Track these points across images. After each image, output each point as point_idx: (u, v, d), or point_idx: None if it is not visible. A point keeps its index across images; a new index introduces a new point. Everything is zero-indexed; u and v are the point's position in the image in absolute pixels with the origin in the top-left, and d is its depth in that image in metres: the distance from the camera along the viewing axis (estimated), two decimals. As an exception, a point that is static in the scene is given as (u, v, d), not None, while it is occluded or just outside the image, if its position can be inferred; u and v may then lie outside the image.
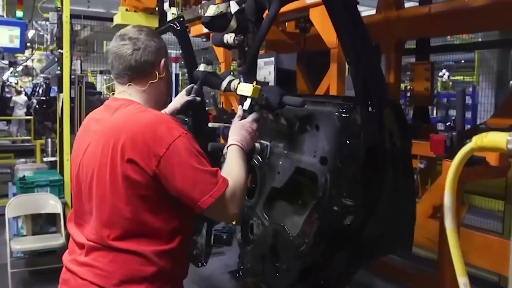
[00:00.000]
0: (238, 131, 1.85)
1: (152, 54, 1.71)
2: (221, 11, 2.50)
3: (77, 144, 1.77)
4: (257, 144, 2.21)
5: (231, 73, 2.48)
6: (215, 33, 2.72)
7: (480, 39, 7.76)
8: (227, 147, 1.81)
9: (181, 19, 3.22)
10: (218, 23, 2.52)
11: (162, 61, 1.74)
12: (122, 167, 1.55)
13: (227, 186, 1.61)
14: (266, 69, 2.96)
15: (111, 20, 6.31)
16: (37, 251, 4.99)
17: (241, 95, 2.02)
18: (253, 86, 1.96)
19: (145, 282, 1.59)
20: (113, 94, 2.03)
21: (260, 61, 3.01)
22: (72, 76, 5.31)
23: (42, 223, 5.16)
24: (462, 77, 17.84)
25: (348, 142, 1.90)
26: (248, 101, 1.97)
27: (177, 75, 10.24)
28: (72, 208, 1.79)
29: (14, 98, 13.54)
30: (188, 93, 2.45)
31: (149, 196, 1.58)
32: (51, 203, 4.98)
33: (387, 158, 1.91)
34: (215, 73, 2.64)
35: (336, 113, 1.95)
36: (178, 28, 3.19)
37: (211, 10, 2.48)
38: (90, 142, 1.68)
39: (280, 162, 2.30)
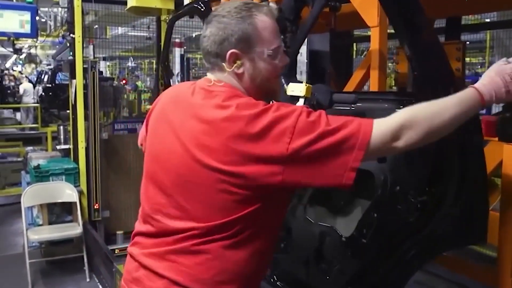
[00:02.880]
0: (488, 75, 1.43)
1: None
2: None
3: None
4: None
5: None
6: None
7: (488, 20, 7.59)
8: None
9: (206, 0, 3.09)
10: None
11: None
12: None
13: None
14: (297, 51, 2.84)
15: (121, 3, 6.16)
16: (54, 240, 4.92)
17: (292, 96, 1.93)
18: (306, 85, 1.87)
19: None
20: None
21: (291, 42, 2.89)
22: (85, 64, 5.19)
23: (58, 212, 5.10)
24: (469, 59, 17.65)
25: None
26: (301, 101, 1.88)
27: (188, 59, 10.12)
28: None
29: (23, 85, 13.43)
30: None
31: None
32: (67, 192, 4.92)
33: (455, 152, 1.80)
34: None
35: (397, 109, 1.83)
36: (203, 9, 3.06)
37: None
38: None
39: None
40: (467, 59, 17.27)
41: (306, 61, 2.78)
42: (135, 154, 5.55)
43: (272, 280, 2.71)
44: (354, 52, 8.49)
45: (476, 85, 1.41)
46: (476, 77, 11.28)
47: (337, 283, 2.17)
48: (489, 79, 1.42)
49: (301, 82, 1.92)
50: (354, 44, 7.21)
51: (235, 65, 1.46)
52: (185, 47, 14.15)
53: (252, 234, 1.44)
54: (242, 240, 1.43)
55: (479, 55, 17.13)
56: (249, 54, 1.46)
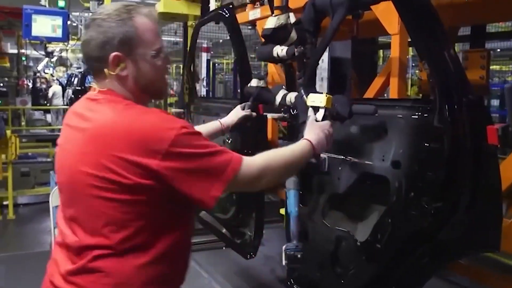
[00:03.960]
0: (315, 131, 1.79)
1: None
2: (281, 23, 2.49)
3: None
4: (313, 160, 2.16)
5: (283, 87, 2.49)
6: (261, 47, 2.71)
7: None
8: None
9: (230, 6, 3.15)
10: (279, 35, 2.49)
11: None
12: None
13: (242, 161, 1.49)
14: (318, 57, 2.88)
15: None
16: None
17: (312, 106, 1.97)
18: (327, 96, 1.91)
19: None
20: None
21: (312, 49, 2.93)
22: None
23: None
24: (499, 67, 17.33)
25: (426, 145, 1.80)
26: (322, 111, 1.92)
27: (214, 64, 10.24)
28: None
29: (52, 88, 13.76)
30: (243, 109, 2.48)
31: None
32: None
33: (469, 158, 1.81)
34: (267, 89, 2.64)
35: (413, 116, 1.87)
36: (227, 15, 3.12)
37: (272, 22, 2.47)
38: None
39: (340, 168, 2.24)
40: (497, 67, 16.98)
41: (327, 68, 2.82)
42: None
43: (289, 283, 2.75)
44: (381, 59, 8.48)
45: (310, 139, 1.75)
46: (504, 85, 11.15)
47: (352, 287, 2.20)
48: (316, 135, 1.77)
49: (321, 93, 1.96)
50: (381, 50, 7.21)
51: (118, 68, 1.46)
52: (211, 52, 14.29)
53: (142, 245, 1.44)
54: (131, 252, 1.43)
55: (510, 63, 16.80)
56: (132, 56, 1.46)
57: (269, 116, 2.67)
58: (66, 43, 8.52)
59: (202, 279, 4.40)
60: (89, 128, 1.43)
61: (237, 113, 2.46)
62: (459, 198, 1.82)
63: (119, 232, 1.40)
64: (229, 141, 3.30)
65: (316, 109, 1.95)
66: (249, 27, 4.69)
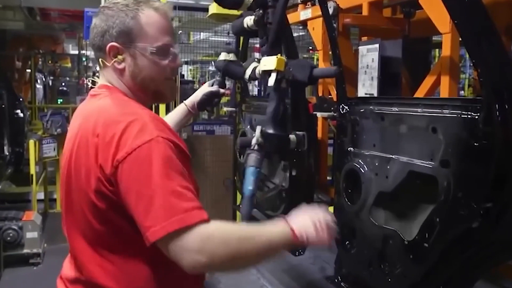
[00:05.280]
0: (301, 217, 1.38)
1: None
2: None
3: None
4: (292, 136, 2.09)
5: (255, 59, 2.31)
6: (234, 22, 2.58)
7: None
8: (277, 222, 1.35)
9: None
10: None
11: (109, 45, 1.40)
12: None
13: (202, 222, 1.20)
14: (369, 56, 2.87)
15: (204, 10, 6.41)
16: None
17: (264, 71, 1.85)
18: (277, 57, 1.78)
19: None
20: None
21: (363, 48, 2.93)
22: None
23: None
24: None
25: (476, 144, 1.78)
26: (273, 76, 1.79)
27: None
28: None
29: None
30: (211, 85, 2.26)
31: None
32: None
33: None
34: (237, 62, 2.45)
35: (462, 115, 1.85)
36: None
37: None
38: None
39: (388, 167, 2.24)
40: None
41: (377, 67, 2.81)
42: (212, 154, 5.75)
43: (336, 280, 2.77)
44: (436, 58, 8.30)
45: (294, 226, 1.33)
46: None
47: (398, 286, 2.20)
48: (302, 222, 1.35)
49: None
50: (437, 50, 7.05)
51: (115, 59, 1.39)
52: (265, 52, 14.34)
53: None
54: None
55: None
56: (130, 49, 1.38)
57: (319, 115, 2.68)
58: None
59: (250, 276, 4.46)
60: None
61: (202, 89, 2.25)
62: (510, 199, 1.79)
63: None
64: (279, 140, 3.35)
65: (268, 73, 1.85)
66: (300, 27, 4.72)
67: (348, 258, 2.60)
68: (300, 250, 3.18)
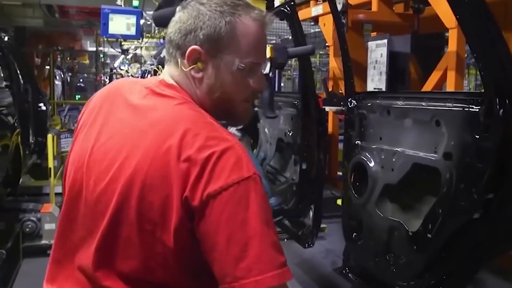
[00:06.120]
0: None
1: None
2: None
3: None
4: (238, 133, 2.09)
5: None
6: (161, 12, 2.54)
7: None
8: None
9: (292, 3, 3.24)
10: None
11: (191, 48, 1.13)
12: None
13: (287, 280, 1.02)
14: (378, 52, 2.91)
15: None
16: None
17: None
18: (269, 46, 1.81)
19: None
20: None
21: (372, 44, 2.96)
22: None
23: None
24: None
25: (477, 137, 1.82)
26: (268, 64, 1.84)
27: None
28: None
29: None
30: None
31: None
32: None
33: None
34: None
35: (464, 109, 1.89)
36: (289, 12, 3.22)
37: None
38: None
39: (394, 160, 2.29)
40: None
41: (386, 62, 2.85)
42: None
43: (344, 272, 2.83)
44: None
45: None
46: None
47: (403, 276, 2.25)
48: None
49: None
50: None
51: (194, 66, 1.15)
52: (280, 49, 14.34)
53: None
54: None
55: None
56: (215, 59, 1.15)
57: (327, 109, 2.73)
58: (140, 41, 8.93)
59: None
60: None
61: None
62: (510, 190, 1.83)
63: None
64: (290, 133, 3.41)
65: None
66: (312, 23, 4.76)
67: (355, 249, 2.65)
68: (310, 242, 3.24)
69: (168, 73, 1.21)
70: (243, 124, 1.43)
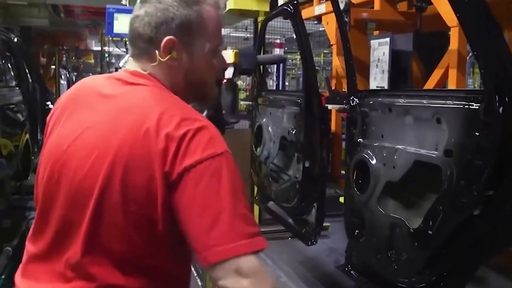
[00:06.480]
0: None
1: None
2: None
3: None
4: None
5: None
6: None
7: None
8: None
9: (295, 2, 3.26)
10: None
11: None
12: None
13: (260, 250, 1.09)
14: (380, 50, 2.92)
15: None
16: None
17: None
18: (233, 51, 1.84)
19: None
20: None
21: (375, 42, 2.98)
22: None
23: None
24: None
25: (477, 134, 1.84)
26: (231, 69, 1.86)
27: (284, 59, 10.40)
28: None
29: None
30: None
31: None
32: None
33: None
34: None
35: (464, 106, 1.90)
36: (292, 10, 3.24)
37: None
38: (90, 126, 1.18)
39: (395, 157, 2.30)
40: None
41: (388, 61, 2.87)
42: (230, 148, 5.83)
43: (346, 269, 2.85)
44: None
45: None
46: None
47: (405, 273, 2.26)
48: None
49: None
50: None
51: (169, 55, 1.21)
52: (286, 48, 14.40)
53: None
54: None
55: None
56: (188, 46, 1.23)
57: (330, 107, 2.74)
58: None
59: (266, 266, 4.53)
60: None
61: None
62: (510, 187, 1.84)
63: None
64: (293, 132, 3.43)
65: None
66: (315, 22, 4.78)
67: (357, 246, 2.67)
68: (313, 240, 3.25)
69: (140, 67, 1.25)
70: (211, 104, 1.49)
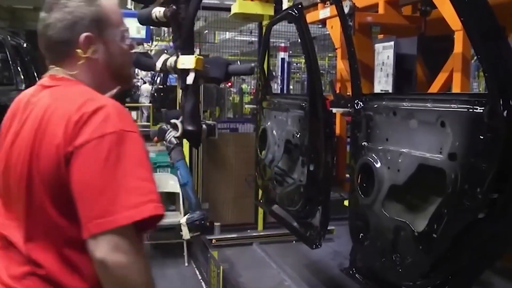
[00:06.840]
0: None
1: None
2: None
3: None
4: (204, 126, 2.10)
5: (165, 51, 2.35)
6: (141, 11, 2.60)
7: None
8: None
9: (300, 6, 3.27)
10: None
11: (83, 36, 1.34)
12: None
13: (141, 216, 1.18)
14: (384, 54, 2.93)
15: (228, 10, 6.51)
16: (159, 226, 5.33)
17: (182, 70, 1.86)
18: (196, 57, 1.81)
19: None
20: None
21: (379, 46, 2.99)
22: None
23: (163, 201, 5.50)
24: None
25: (481, 137, 1.84)
26: (192, 75, 1.82)
27: (289, 63, 10.41)
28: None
29: (143, 86, 14.50)
30: None
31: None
32: (171, 183, 5.29)
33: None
34: (147, 54, 2.51)
35: (469, 110, 1.91)
36: (296, 14, 3.25)
37: None
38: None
39: (400, 160, 2.31)
40: None
41: (393, 64, 2.87)
42: (235, 151, 5.84)
43: (351, 272, 2.84)
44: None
45: None
46: None
47: (409, 276, 2.26)
48: None
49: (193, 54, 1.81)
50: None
51: (90, 50, 1.35)
52: (291, 52, 14.43)
53: None
54: None
55: None
56: (103, 38, 1.37)
57: (334, 110, 2.75)
58: (149, 44, 8.99)
59: (271, 270, 4.54)
60: None
61: None
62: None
63: None
64: (298, 135, 3.43)
65: (186, 72, 1.86)
66: (320, 26, 4.78)
67: (362, 250, 2.67)
68: (317, 243, 3.25)
69: (62, 72, 1.37)
70: (132, 84, 1.57)
